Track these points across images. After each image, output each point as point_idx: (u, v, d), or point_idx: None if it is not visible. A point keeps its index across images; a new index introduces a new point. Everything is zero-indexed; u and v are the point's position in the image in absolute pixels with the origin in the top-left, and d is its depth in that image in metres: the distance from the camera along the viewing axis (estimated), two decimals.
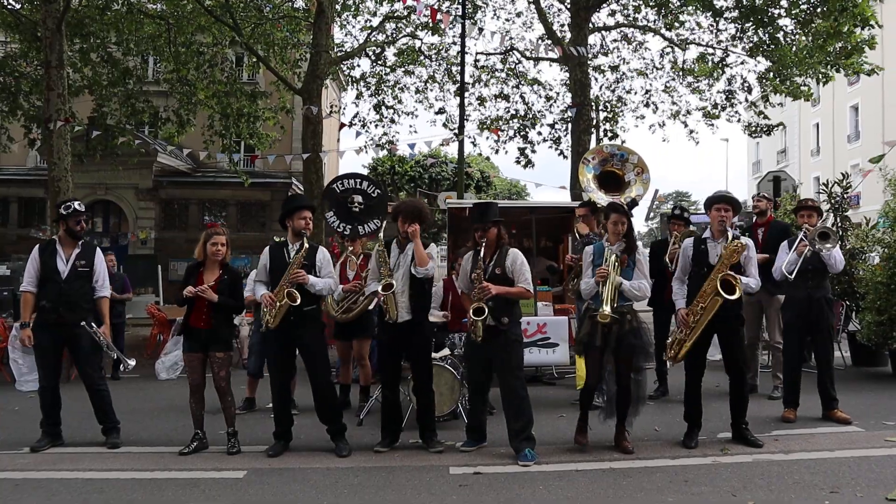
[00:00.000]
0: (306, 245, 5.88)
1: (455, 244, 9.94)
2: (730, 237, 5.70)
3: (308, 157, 14.59)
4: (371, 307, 7.19)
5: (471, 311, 5.64)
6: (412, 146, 14.85)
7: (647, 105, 19.38)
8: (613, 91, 19.54)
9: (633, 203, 6.63)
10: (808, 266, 6.49)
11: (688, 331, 5.81)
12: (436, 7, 17.17)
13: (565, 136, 18.73)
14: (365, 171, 32.69)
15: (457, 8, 16.70)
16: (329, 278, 6.03)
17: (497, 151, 19.18)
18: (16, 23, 14.86)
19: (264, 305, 5.84)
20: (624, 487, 4.89)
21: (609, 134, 19.50)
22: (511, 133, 19.23)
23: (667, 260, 7.48)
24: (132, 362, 6.42)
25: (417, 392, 6.05)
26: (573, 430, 5.92)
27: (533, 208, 11.00)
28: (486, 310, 5.59)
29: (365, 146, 18.73)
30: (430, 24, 17.75)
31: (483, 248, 5.76)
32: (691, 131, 19.08)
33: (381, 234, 6.13)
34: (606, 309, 5.44)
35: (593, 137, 17.46)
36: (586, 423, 5.86)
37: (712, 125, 18.64)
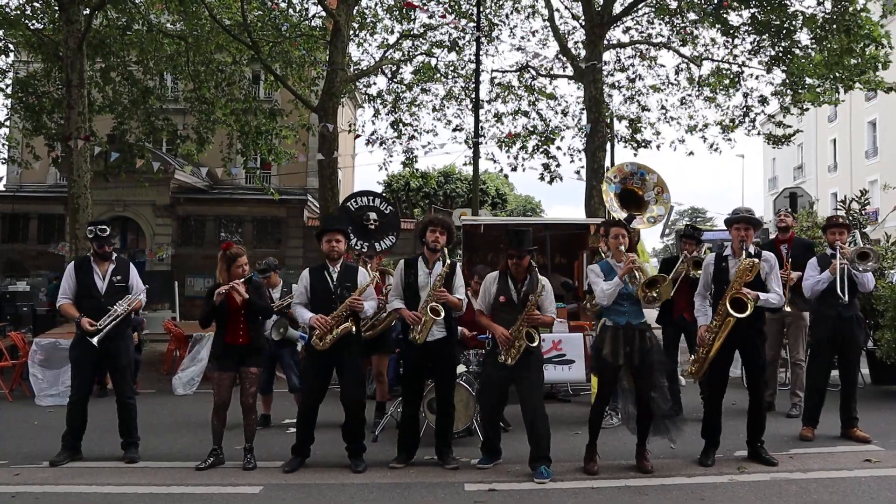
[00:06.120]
0: (371, 273, 6.06)
1: (469, 261, 9.97)
2: (744, 255, 5.69)
3: (322, 173, 14.70)
4: (392, 324, 7.21)
5: (523, 335, 5.59)
6: (426, 144, 14.88)
7: (660, 120, 19.36)
8: (627, 105, 19.57)
9: (631, 218, 6.68)
10: (842, 284, 6.43)
11: (706, 348, 5.78)
12: (453, 25, 17.35)
13: (582, 148, 18.70)
14: (380, 188, 32.83)
15: (472, 26, 16.79)
16: (373, 300, 6.08)
17: (515, 169, 19.11)
18: (38, 43, 15.13)
19: (315, 327, 5.78)
20: None
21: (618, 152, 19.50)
22: (531, 150, 19.18)
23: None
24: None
25: (440, 409, 6.06)
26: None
27: (548, 225, 11.01)
28: (533, 336, 5.64)
29: (384, 162, 18.90)
30: (447, 43, 17.91)
31: (516, 273, 5.77)
32: (711, 145, 18.82)
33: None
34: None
35: (608, 154, 17.43)
36: (595, 449, 5.75)
37: (730, 140, 18.50)
